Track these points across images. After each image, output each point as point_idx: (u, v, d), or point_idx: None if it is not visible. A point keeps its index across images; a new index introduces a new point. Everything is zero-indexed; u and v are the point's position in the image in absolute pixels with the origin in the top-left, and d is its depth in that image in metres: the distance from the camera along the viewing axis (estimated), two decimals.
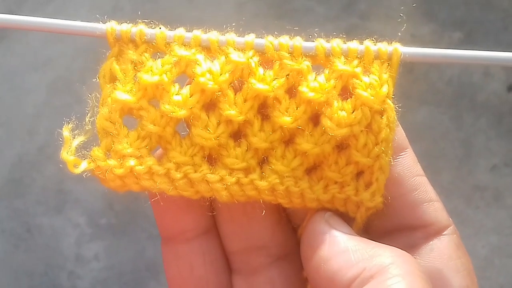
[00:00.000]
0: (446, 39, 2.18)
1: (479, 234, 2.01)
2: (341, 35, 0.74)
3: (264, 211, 0.74)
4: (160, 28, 0.74)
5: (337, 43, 0.73)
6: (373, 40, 0.74)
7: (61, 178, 2.10)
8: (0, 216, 2.10)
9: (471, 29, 2.19)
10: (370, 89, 0.72)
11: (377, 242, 0.69)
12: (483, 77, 2.14)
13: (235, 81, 0.73)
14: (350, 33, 0.75)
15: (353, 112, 0.71)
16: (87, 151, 0.74)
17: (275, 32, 0.74)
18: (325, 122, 0.71)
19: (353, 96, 0.72)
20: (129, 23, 0.75)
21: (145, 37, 0.73)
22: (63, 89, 2.20)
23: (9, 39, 2.27)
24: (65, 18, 0.75)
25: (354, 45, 0.73)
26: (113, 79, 0.74)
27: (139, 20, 0.75)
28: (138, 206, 2.03)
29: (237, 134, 0.74)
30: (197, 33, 0.73)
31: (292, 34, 0.74)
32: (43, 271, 2.05)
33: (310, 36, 0.74)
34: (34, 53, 2.25)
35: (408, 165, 0.74)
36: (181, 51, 0.73)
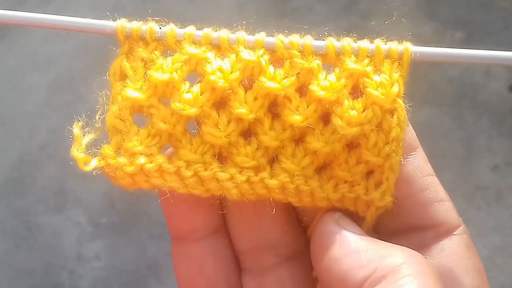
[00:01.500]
0: (447, 39, 2.18)
1: (481, 234, 2.01)
2: (341, 34, 0.74)
3: (274, 210, 0.74)
4: (170, 26, 0.74)
5: (347, 42, 0.73)
6: (383, 39, 0.74)
7: (62, 177, 2.10)
8: (1, 215, 2.10)
9: (473, 29, 2.19)
10: (381, 88, 0.71)
11: (388, 242, 0.69)
12: (484, 76, 2.14)
13: (246, 80, 0.73)
14: (351, 33, 0.75)
15: (364, 111, 0.71)
16: (97, 149, 0.73)
17: (277, 32, 0.74)
18: (336, 121, 0.71)
19: (363, 95, 0.72)
20: (138, 20, 0.75)
21: (155, 35, 0.73)
22: (64, 88, 2.20)
23: (10, 38, 2.26)
24: (68, 16, 0.75)
25: (364, 44, 0.73)
26: (123, 76, 0.74)
27: (148, 18, 0.75)
28: (139, 205, 2.03)
29: (248, 133, 0.74)
30: (208, 31, 0.73)
31: (302, 33, 0.74)
32: (44, 270, 2.05)
33: (320, 35, 0.74)
34: (35, 52, 2.25)
35: (419, 165, 0.74)
36: (192, 49, 0.73)
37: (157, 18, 0.75)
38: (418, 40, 0.75)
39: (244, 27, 0.75)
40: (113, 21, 0.74)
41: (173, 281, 0.81)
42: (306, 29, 0.75)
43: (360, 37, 0.74)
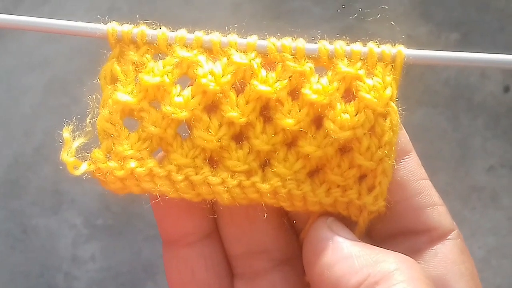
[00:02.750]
0: (443, 40, 2.18)
1: (476, 235, 2.01)
2: (337, 35, 0.74)
3: (266, 214, 0.74)
4: (161, 29, 0.73)
5: (340, 45, 0.72)
6: (376, 42, 0.73)
7: (57, 179, 2.09)
8: None
9: (468, 30, 2.19)
10: (374, 92, 0.71)
11: (380, 248, 0.68)
12: (479, 78, 2.14)
13: (237, 83, 0.72)
14: (346, 34, 0.75)
15: (356, 114, 0.71)
16: (87, 153, 0.73)
17: (272, 33, 0.74)
18: (328, 124, 0.71)
19: (356, 98, 0.71)
20: (129, 23, 0.74)
21: (147, 38, 0.73)
22: (59, 89, 2.20)
23: (5, 39, 2.26)
24: (62, 18, 0.75)
25: (357, 47, 0.72)
26: (114, 80, 0.73)
27: (139, 21, 0.75)
28: (134, 207, 2.03)
29: (239, 136, 0.74)
30: (199, 34, 0.73)
31: (295, 36, 0.74)
32: (39, 272, 2.04)
33: (313, 38, 0.73)
34: (30, 53, 2.24)
35: (412, 169, 0.74)
36: (183, 52, 0.72)
37: (150, 21, 0.74)
38: (413, 41, 0.75)
39: (238, 29, 0.74)
40: (106, 24, 0.74)
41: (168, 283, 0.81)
42: (301, 31, 0.75)
43: (355, 39, 0.74)
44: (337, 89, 0.71)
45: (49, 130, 2.13)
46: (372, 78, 0.72)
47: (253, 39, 0.72)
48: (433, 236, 0.74)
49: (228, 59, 0.72)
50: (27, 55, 2.24)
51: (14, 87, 2.22)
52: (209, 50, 0.73)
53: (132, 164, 0.72)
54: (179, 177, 0.72)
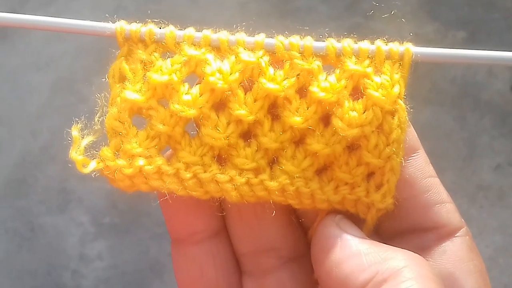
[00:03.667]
0: (449, 38, 2.18)
1: (483, 233, 2.01)
2: (343, 34, 0.74)
3: (274, 212, 0.74)
4: (169, 27, 0.73)
5: (348, 43, 0.72)
6: (384, 39, 0.73)
7: (64, 178, 2.10)
8: (3, 215, 2.10)
9: (475, 29, 2.19)
10: (382, 89, 0.71)
11: (389, 245, 0.68)
12: (487, 76, 2.13)
13: (245, 81, 0.72)
14: (353, 32, 0.75)
15: (364, 112, 0.71)
16: (96, 151, 0.73)
17: (278, 32, 0.74)
18: (336, 122, 0.71)
19: (364, 96, 0.71)
20: (137, 22, 0.74)
21: (155, 36, 0.73)
22: (65, 88, 2.20)
23: (11, 39, 2.26)
24: (68, 17, 0.75)
25: (365, 45, 0.72)
26: (122, 78, 0.73)
27: (146, 20, 0.75)
28: (142, 205, 2.03)
29: (247, 134, 0.74)
30: (207, 32, 0.73)
31: (302, 34, 0.74)
32: (46, 271, 2.05)
33: (321, 36, 0.73)
34: (37, 53, 2.25)
35: (420, 166, 0.74)
36: (191, 51, 0.72)
37: (157, 20, 0.75)
38: (420, 40, 0.75)
39: (245, 27, 0.74)
40: (113, 22, 0.74)
41: (175, 281, 0.81)
42: (307, 29, 0.75)
43: (362, 37, 0.74)
44: (345, 87, 0.71)
45: (56, 129, 2.14)
46: (380, 76, 0.72)
47: (261, 38, 0.73)
48: (442, 233, 0.73)
49: (236, 57, 0.72)
50: (33, 54, 2.25)
51: (21, 86, 2.23)
52: (217, 49, 0.73)
53: (141, 162, 0.72)
54: (188, 175, 0.72)
